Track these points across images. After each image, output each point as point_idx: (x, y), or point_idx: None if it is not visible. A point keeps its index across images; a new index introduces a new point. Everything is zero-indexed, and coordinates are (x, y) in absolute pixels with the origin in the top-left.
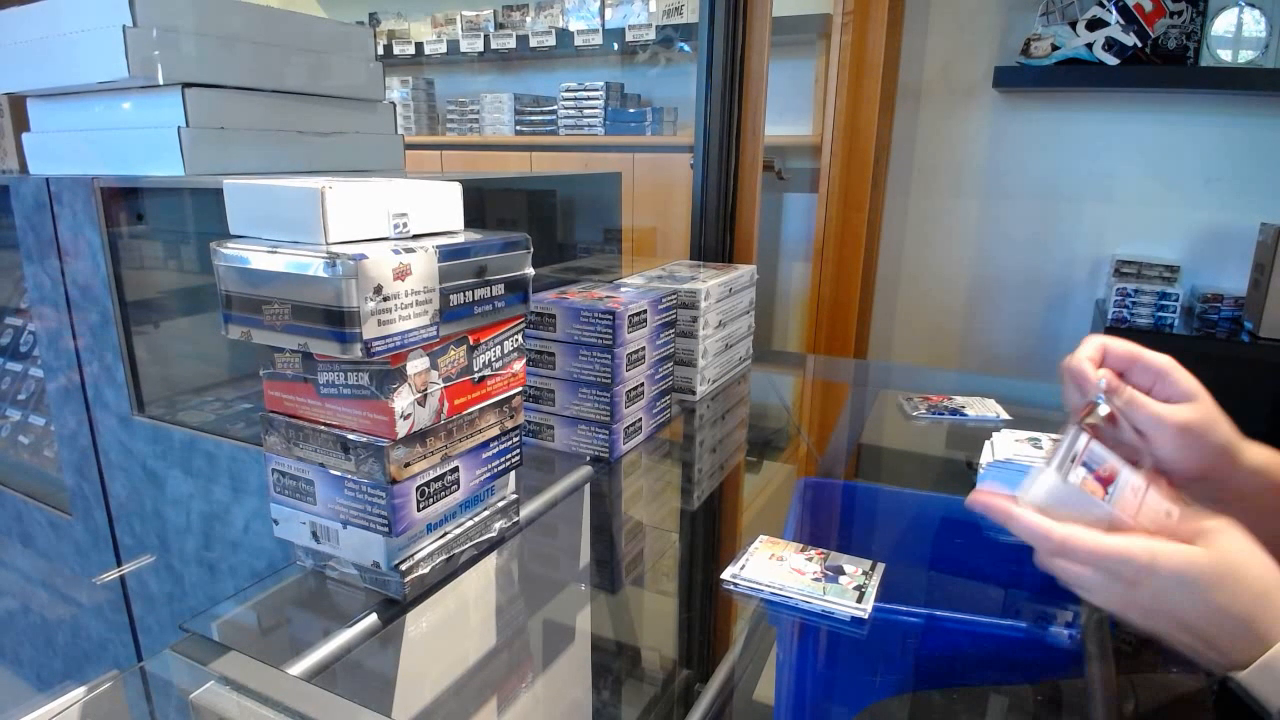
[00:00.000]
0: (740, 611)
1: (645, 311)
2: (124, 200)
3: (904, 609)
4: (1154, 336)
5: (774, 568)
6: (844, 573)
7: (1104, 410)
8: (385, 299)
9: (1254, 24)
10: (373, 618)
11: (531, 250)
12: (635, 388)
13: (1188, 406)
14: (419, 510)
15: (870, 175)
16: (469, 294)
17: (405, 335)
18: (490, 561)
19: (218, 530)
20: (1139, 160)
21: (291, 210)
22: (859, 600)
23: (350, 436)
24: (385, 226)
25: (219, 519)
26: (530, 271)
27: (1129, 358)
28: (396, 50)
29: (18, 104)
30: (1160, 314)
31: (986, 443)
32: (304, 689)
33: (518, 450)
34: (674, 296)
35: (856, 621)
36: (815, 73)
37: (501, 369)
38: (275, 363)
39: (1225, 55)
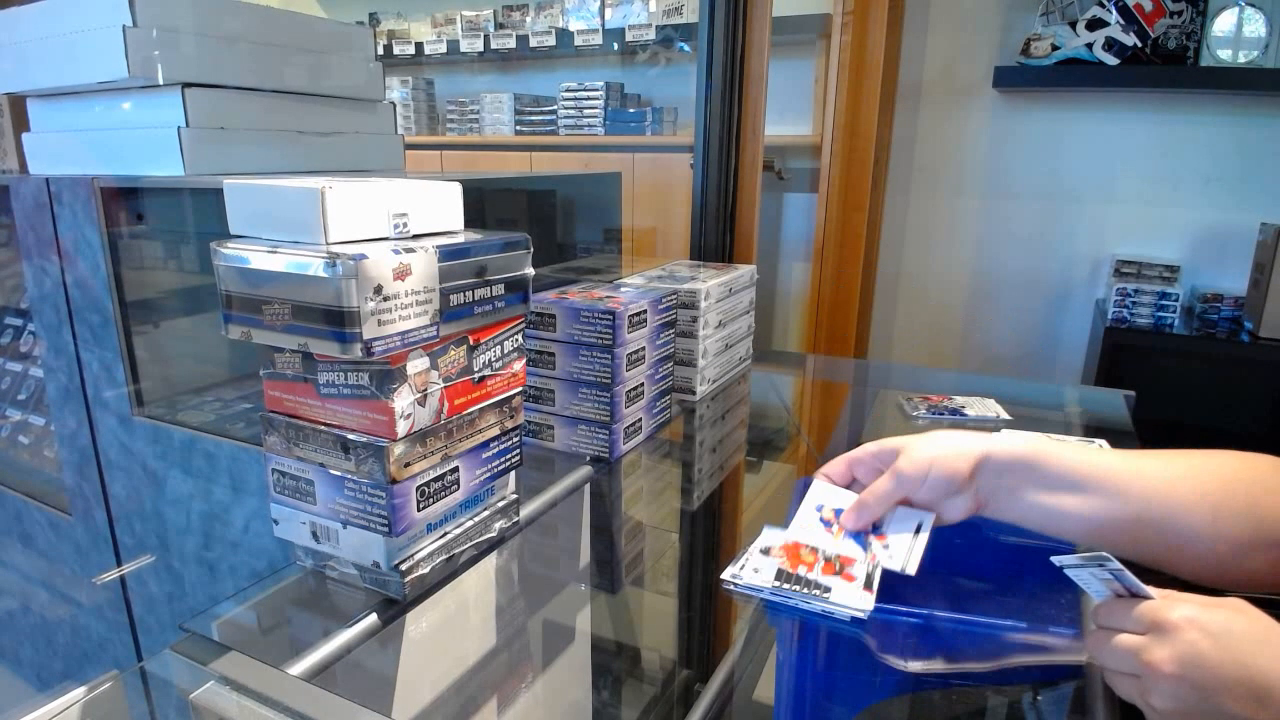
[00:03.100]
0: (740, 611)
1: (645, 311)
2: (124, 200)
3: (904, 609)
4: (1154, 336)
5: None
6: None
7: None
8: (385, 299)
9: (1254, 24)
10: (373, 618)
11: (531, 250)
12: (635, 388)
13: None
14: (419, 510)
15: (870, 175)
16: (469, 294)
17: (405, 335)
18: (490, 561)
19: (218, 530)
20: (1139, 160)
21: (291, 210)
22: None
23: (350, 436)
24: (385, 226)
25: (219, 519)
26: (530, 271)
27: (867, 460)
28: (396, 50)
29: (18, 104)
30: (1160, 314)
31: None
32: (304, 689)
33: (518, 450)
34: (674, 296)
35: (857, 621)
36: (815, 73)
37: (501, 369)
38: (275, 363)
39: (1225, 55)
